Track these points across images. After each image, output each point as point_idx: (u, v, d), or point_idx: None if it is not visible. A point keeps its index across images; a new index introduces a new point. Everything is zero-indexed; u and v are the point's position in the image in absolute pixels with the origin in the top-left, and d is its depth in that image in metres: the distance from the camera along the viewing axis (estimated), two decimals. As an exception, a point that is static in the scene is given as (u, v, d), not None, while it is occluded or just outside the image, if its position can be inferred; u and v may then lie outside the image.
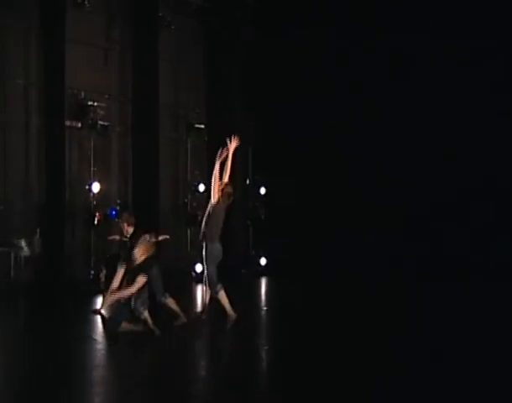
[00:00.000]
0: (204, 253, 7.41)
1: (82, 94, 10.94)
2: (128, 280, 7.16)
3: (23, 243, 9.96)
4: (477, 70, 11.34)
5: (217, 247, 7.40)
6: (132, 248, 7.76)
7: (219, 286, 7.31)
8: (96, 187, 10.78)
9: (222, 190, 7.46)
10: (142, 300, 7.14)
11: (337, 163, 12.65)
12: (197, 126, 12.83)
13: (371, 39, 12.06)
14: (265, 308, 9.82)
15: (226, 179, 7.57)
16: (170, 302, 7.66)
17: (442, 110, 11.74)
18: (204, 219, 7.50)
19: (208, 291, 7.47)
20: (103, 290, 8.51)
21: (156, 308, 7.50)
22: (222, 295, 7.31)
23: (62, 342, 7.02)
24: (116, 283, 7.59)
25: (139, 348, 6.92)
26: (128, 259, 7.34)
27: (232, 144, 7.66)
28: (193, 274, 11.66)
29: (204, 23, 13.32)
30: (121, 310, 7.21)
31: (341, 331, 7.39)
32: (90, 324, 7.87)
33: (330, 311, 8.74)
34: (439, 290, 10.22)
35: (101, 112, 11.08)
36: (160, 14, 12.21)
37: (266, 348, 7.06)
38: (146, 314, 7.14)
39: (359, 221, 12.23)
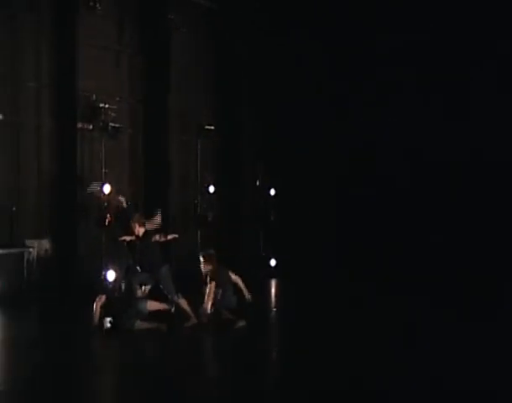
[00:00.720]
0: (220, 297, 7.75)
1: (94, 96, 11.03)
2: None
3: (35, 244, 10.06)
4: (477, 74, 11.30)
5: (234, 300, 7.78)
6: (142, 247, 7.86)
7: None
8: (107, 188, 10.85)
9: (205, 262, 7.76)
10: (128, 314, 7.33)
11: (342, 162, 12.71)
12: (207, 127, 12.89)
13: (372, 39, 12.08)
14: (274, 309, 9.85)
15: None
16: (183, 303, 7.72)
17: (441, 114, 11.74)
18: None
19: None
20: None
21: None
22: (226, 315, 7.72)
23: (71, 340, 7.11)
24: None
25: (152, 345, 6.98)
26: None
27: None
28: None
29: (213, 26, 13.40)
30: (133, 307, 7.35)
31: (344, 331, 7.42)
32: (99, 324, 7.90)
33: (336, 312, 8.76)
34: (445, 293, 10.17)
35: (113, 114, 11.16)
36: (171, 17, 12.31)
37: (276, 349, 7.09)
38: (138, 324, 7.32)
39: (365, 222, 12.25)
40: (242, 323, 7.61)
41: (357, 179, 12.53)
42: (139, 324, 7.43)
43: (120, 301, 7.59)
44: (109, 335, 7.34)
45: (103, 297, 7.58)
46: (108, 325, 7.36)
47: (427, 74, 11.82)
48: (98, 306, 7.54)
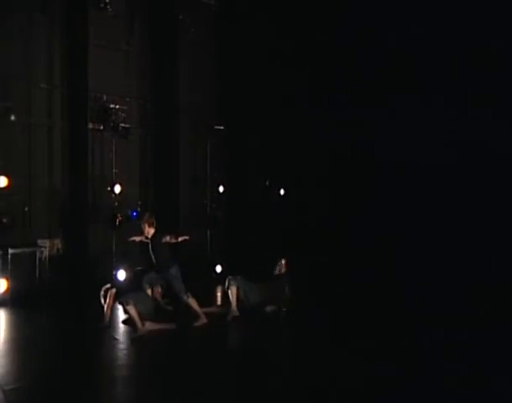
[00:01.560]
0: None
1: (104, 97, 11.12)
2: None
3: (47, 244, 10.17)
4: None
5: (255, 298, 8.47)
6: (153, 248, 7.93)
7: None
8: (117, 189, 10.96)
9: None
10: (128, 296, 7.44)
11: (350, 162, 12.69)
12: (216, 127, 12.95)
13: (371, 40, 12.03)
14: (284, 310, 9.87)
15: None
16: (192, 302, 7.80)
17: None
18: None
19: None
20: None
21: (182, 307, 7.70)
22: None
23: (82, 340, 7.20)
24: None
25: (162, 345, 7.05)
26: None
27: None
28: (213, 274, 11.76)
29: (222, 26, 13.44)
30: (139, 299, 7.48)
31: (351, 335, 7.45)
32: (110, 324, 7.99)
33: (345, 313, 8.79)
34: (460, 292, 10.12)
35: (123, 115, 11.26)
36: (180, 17, 12.37)
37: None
38: (148, 325, 7.43)
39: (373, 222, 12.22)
40: (234, 314, 7.79)
41: (366, 180, 12.49)
42: (150, 325, 7.51)
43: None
44: (120, 333, 7.42)
45: (113, 292, 7.68)
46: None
47: (425, 72, 11.71)
48: (110, 306, 7.63)
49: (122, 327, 7.72)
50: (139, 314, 7.38)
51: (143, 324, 7.42)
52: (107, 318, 7.70)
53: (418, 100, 11.71)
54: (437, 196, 11.72)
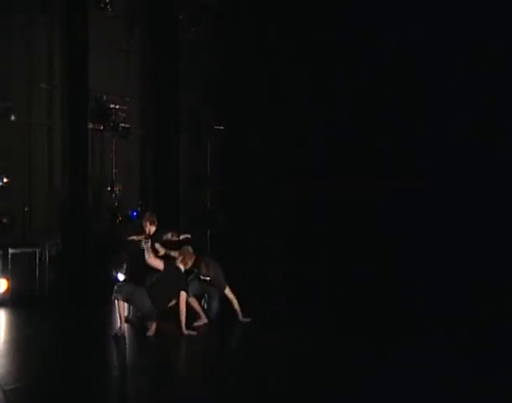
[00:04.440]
0: None
1: (104, 97, 11.14)
2: None
3: (47, 244, 10.18)
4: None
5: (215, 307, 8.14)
6: (153, 246, 7.93)
7: None
8: (117, 189, 10.97)
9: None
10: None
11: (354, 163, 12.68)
12: (216, 127, 12.96)
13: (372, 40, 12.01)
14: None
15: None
16: (192, 302, 7.80)
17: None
18: None
19: None
20: None
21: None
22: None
23: (82, 340, 7.21)
24: None
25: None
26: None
27: None
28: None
29: (222, 26, 13.45)
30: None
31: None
32: (112, 323, 8.00)
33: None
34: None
35: (123, 115, 11.28)
36: (180, 17, 12.39)
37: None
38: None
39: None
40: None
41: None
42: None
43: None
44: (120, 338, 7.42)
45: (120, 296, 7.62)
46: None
47: (420, 79, 11.71)
48: (121, 309, 7.52)
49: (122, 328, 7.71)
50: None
51: (124, 321, 7.33)
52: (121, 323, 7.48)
53: (417, 100, 11.70)
54: (437, 195, 11.71)
